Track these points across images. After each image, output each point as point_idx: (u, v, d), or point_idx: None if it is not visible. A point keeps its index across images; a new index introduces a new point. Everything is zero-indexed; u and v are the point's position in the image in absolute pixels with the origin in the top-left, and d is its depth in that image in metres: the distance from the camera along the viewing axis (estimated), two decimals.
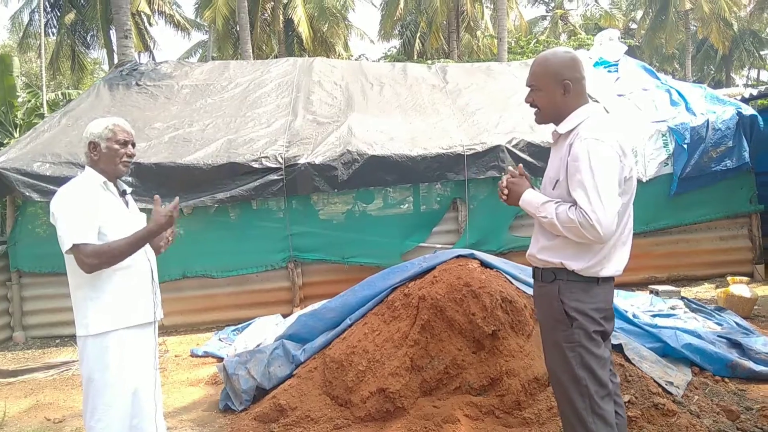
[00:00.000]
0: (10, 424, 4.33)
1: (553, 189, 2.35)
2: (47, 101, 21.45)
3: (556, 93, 2.36)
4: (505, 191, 2.50)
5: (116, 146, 2.68)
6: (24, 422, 4.36)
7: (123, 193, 2.79)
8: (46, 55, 24.33)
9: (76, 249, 2.51)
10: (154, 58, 25.73)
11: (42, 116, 20.41)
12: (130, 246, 2.57)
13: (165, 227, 2.65)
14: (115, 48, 24.39)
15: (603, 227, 2.12)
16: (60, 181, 6.46)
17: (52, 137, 7.28)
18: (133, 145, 2.77)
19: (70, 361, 5.88)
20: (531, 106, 2.48)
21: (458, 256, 4.14)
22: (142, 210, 2.95)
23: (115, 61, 23.98)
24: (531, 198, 2.40)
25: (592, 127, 2.25)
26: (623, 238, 2.33)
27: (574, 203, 2.20)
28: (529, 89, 2.47)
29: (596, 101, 8.04)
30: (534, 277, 2.51)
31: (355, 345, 3.94)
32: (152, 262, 2.84)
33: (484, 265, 4.11)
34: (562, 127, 2.37)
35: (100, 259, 2.51)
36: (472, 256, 4.14)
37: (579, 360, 2.26)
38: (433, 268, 4.09)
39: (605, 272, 2.29)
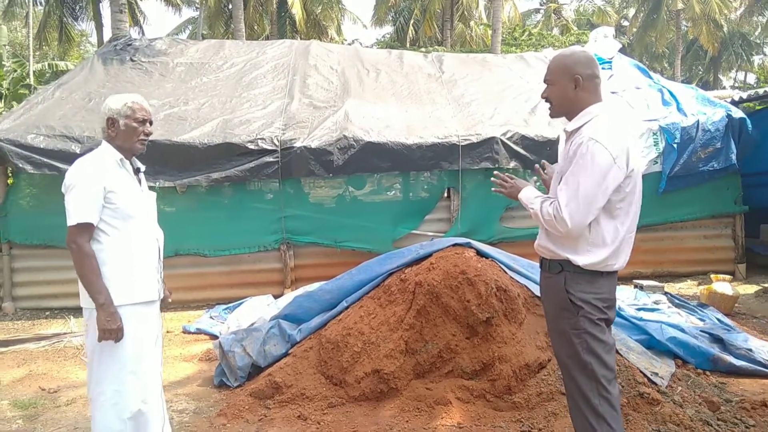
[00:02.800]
0: (5, 392, 4.36)
1: (558, 184, 2.44)
2: (33, 72, 21.14)
3: (567, 87, 2.45)
4: (507, 184, 2.67)
5: (134, 124, 2.70)
6: (18, 391, 4.40)
7: (137, 171, 2.82)
8: (33, 24, 23.92)
9: (77, 226, 2.56)
10: (143, 33, 25.42)
11: (28, 87, 20.14)
12: (89, 284, 2.56)
13: (100, 326, 2.55)
14: (103, 21, 24.12)
15: (572, 223, 2.29)
16: (54, 153, 6.49)
17: (45, 110, 7.23)
18: (151, 123, 2.80)
19: (61, 333, 5.91)
20: (546, 101, 2.56)
21: (455, 245, 4.23)
22: (151, 188, 3.00)
23: (104, 34, 23.67)
24: (528, 192, 2.58)
25: (595, 128, 2.34)
26: (629, 236, 2.43)
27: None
28: (545, 85, 2.55)
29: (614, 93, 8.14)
30: (541, 267, 2.60)
31: (350, 327, 4.02)
32: (160, 242, 2.89)
33: (480, 254, 4.20)
34: (570, 125, 2.46)
35: (79, 256, 2.56)
36: (469, 245, 4.24)
37: (585, 346, 2.37)
38: (429, 255, 4.18)
39: (609, 268, 2.40)
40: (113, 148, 2.71)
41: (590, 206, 2.28)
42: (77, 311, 6.63)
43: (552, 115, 2.58)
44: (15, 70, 21.54)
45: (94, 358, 2.69)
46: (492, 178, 2.78)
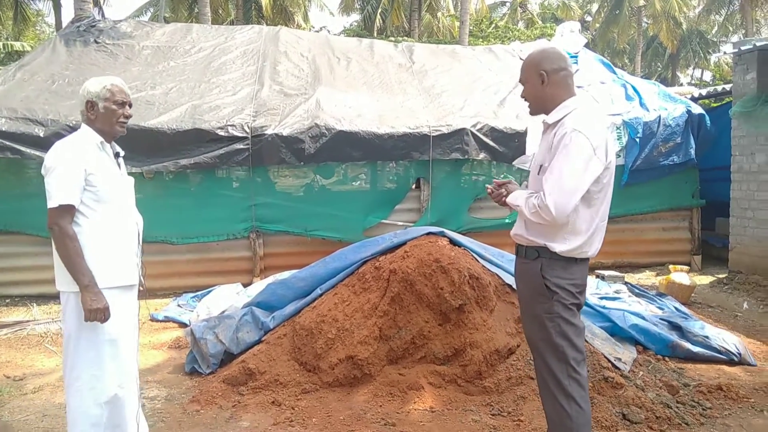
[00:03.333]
0: None
1: (538, 174, 2.51)
2: None
3: (536, 84, 2.54)
4: (503, 191, 2.67)
5: (114, 107, 2.68)
6: None
7: (116, 155, 2.80)
8: None
9: (59, 208, 2.53)
10: (103, 15, 24.67)
11: None
12: (72, 266, 2.54)
13: (86, 306, 2.54)
14: (61, 1, 23.34)
15: (556, 212, 2.34)
16: (17, 137, 6.33)
17: (6, 91, 7.00)
18: (130, 105, 2.78)
19: (23, 321, 5.79)
20: (525, 100, 2.65)
21: (428, 233, 4.30)
22: (130, 174, 2.97)
23: (62, 14, 22.93)
24: (515, 194, 2.60)
25: (576, 119, 2.42)
26: (602, 224, 2.54)
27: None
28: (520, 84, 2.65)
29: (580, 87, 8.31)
30: (517, 254, 2.68)
31: (325, 314, 4.06)
32: (139, 226, 2.87)
33: (453, 242, 4.29)
34: (550, 118, 2.54)
35: (61, 238, 2.54)
36: (442, 234, 4.32)
37: (558, 329, 2.47)
38: (403, 243, 4.24)
39: (584, 255, 2.50)
40: (93, 131, 2.69)
41: (573, 195, 2.35)
42: (39, 299, 6.54)
43: (531, 113, 2.66)
44: None
45: (71, 343, 2.66)
46: (487, 188, 2.77)
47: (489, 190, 2.73)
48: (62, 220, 2.54)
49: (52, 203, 2.54)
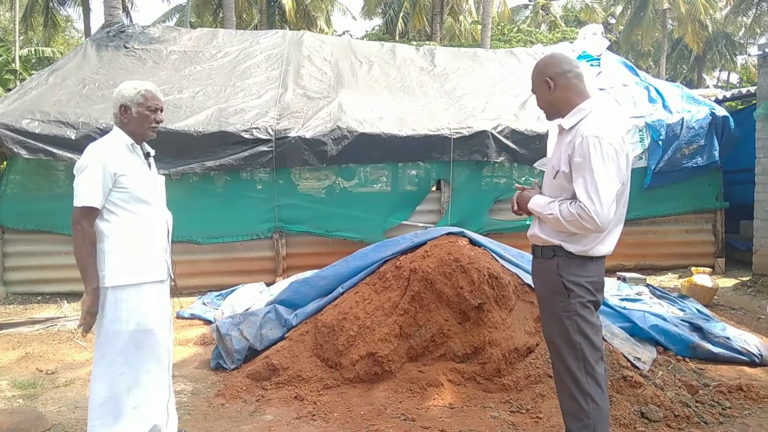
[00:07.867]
0: (3, 374, 4.43)
1: (554, 178, 2.55)
2: (19, 57, 20.91)
3: (544, 91, 2.60)
4: (515, 205, 2.79)
5: (147, 112, 2.79)
6: (16, 372, 4.47)
7: (147, 155, 2.91)
8: (19, 9, 23.63)
9: (82, 209, 2.65)
10: (131, 20, 25.18)
11: (14, 72, 19.92)
12: (85, 267, 2.64)
13: (86, 309, 2.67)
14: (91, 6, 23.90)
15: (600, 218, 2.35)
16: (49, 139, 6.52)
17: (39, 95, 7.23)
18: (162, 110, 2.89)
19: (54, 317, 5.97)
20: (540, 108, 2.71)
21: (448, 233, 4.36)
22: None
23: (91, 19, 23.46)
24: (538, 200, 2.63)
25: (592, 124, 2.43)
26: (615, 221, 2.55)
27: (574, 197, 2.44)
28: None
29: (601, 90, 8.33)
30: (534, 254, 2.73)
31: (346, 312, 4.15)
32: (169, 224, 2.98)
33: (473, 242, 4.35)
34: (565, 122, 2.55)
35: (81, 237, 2.64)
36: (462, 234, 4.38)
37: (575, 327, 2.51)
38: (424, 243, 4.31)
39: (597, 253, 2.53)
40: (125, 133, 2.80)
41: (609, 200, 2.37)
42: (70, 296, 6.72)
43: (548, 119, 2.71)
44: (0, 55, 21.31)
45: (102, 333, 2.77)
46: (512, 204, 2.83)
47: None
48: (85, 221, 2.65)
49: (76, 203, 2.66)
